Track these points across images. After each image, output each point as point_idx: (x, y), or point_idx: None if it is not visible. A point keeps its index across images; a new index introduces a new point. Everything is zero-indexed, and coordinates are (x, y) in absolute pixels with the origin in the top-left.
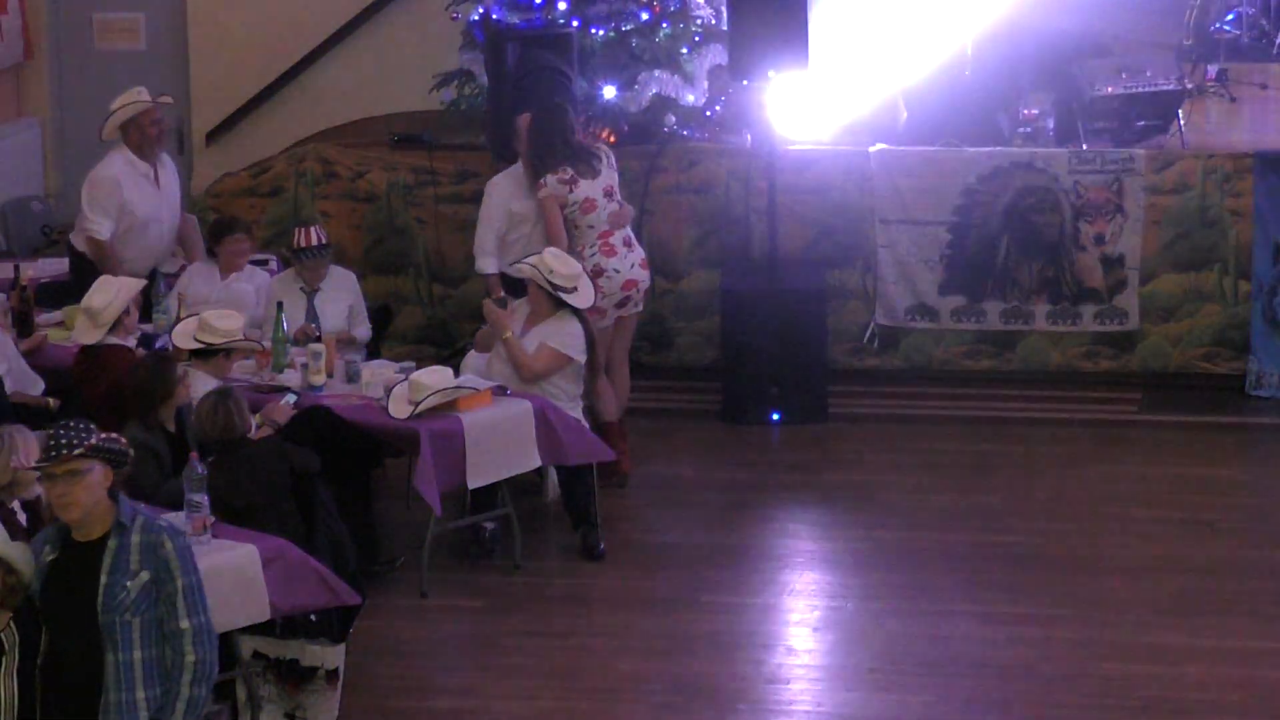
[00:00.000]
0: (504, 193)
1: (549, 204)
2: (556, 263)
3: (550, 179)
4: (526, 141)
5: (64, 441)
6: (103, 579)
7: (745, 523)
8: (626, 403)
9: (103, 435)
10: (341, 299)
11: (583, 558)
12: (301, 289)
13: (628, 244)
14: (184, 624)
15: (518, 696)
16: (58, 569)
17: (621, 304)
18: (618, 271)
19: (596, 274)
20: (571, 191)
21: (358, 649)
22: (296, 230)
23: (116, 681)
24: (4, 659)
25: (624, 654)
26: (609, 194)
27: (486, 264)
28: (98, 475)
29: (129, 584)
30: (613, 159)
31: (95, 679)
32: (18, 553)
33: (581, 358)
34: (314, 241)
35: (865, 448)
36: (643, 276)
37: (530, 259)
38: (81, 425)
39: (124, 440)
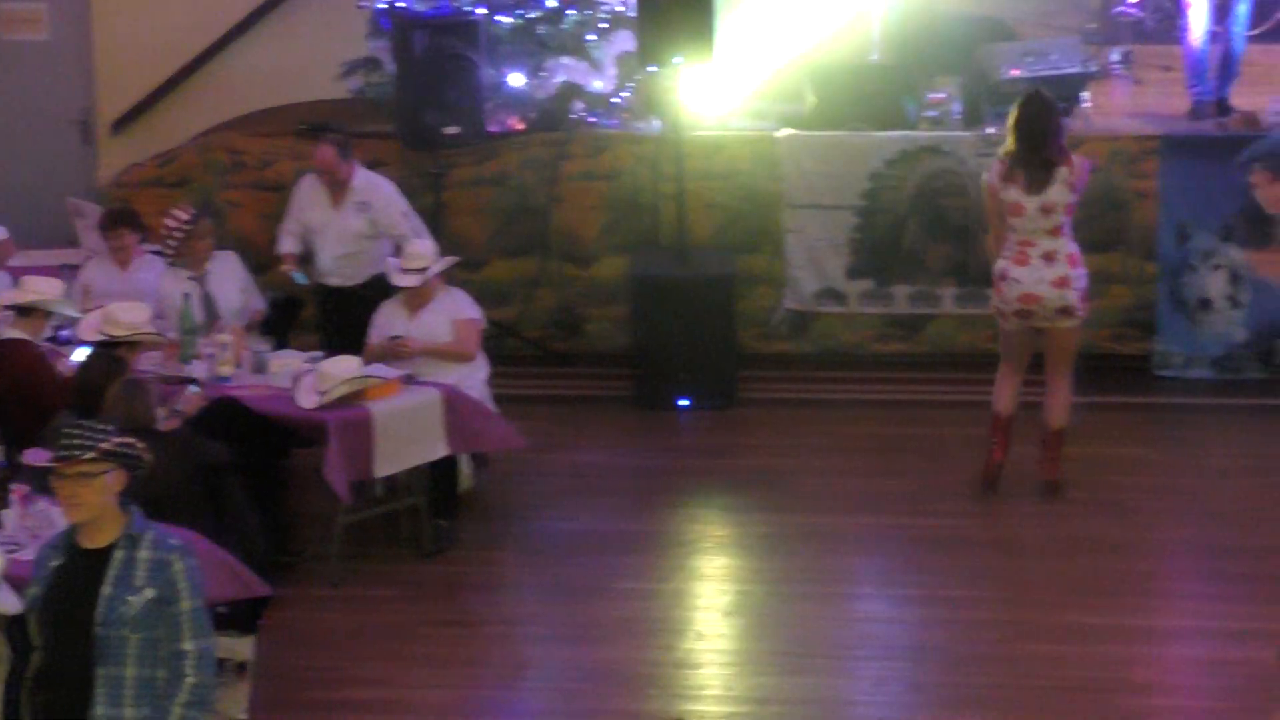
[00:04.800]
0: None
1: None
2: (413, 250)
3: (993, 165)
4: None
5: (76, 443)
6: (105, 590)
7: (655, 508)
8: (1065, 414)
9: (118, 439)
10: (230, 280)
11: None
12: (190, 278)
13: (1049, 259)
14: (187, 646)
15: (430, 685)
16: (61, 575)
17: (1023, 315)
18: (1019, 282)
19: (1000, 278)
20: (1004, 190)
21: (269, 640)
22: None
23: (106, 697)
24: None
25: (535, 641)
26: (1047, 211)
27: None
28: (110, 479)
29: (132, 599)
30: (1078, 180)
31: (85, 693)
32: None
33: (481, 313)
34: (177, 222)
35: (775, 432)
36: (1050, 294)
37: (398, 260)
38: (96, 426)
39: (140, 445)
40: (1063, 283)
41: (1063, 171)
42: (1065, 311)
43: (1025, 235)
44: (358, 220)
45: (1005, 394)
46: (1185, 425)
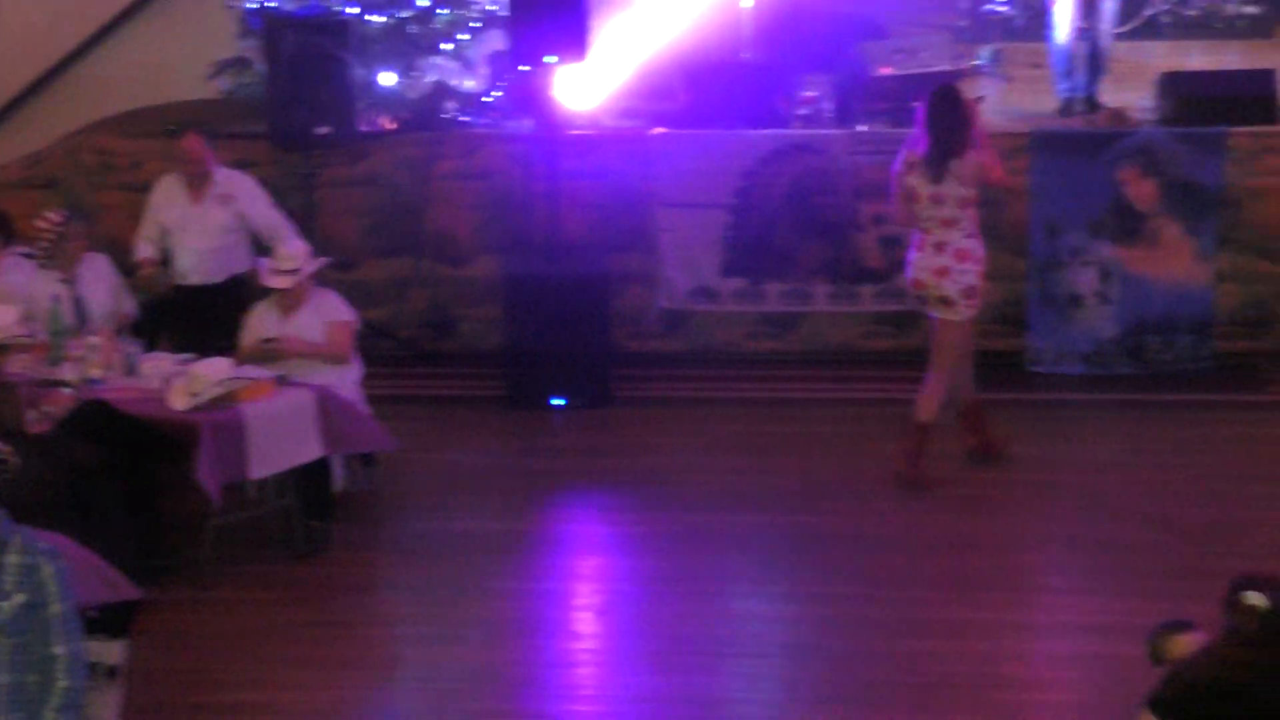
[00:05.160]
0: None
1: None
2: (285, 251)
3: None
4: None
5: None
6: None
7: (529, 508)
8: (928, 408)
9: None
10: (101, 283)
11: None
12: (61, 280)
13: (939, 249)
14: (58, 650)
15: (304, 687)
16: None
17: (918, 299)
18: (911, 266)
19: (906, 262)
20: (908, 174)
21: (142, 644)
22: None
23: None
24: None
25: (409, 642)
26: (938, 201)
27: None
28: None
29: (2, 604)
30: (970, 174)
31: None
32: None
33: (355, 314)
34: (48, 224)
35: (649, 431)
36: (931, 282)
37: (270, 261)
38: None
39: (7, 448)
40: (942, 273)
41: (955, 164)
42: (945, 303)
43: (923, 223)
44: (222, 213)
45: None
46: (1056, 420)
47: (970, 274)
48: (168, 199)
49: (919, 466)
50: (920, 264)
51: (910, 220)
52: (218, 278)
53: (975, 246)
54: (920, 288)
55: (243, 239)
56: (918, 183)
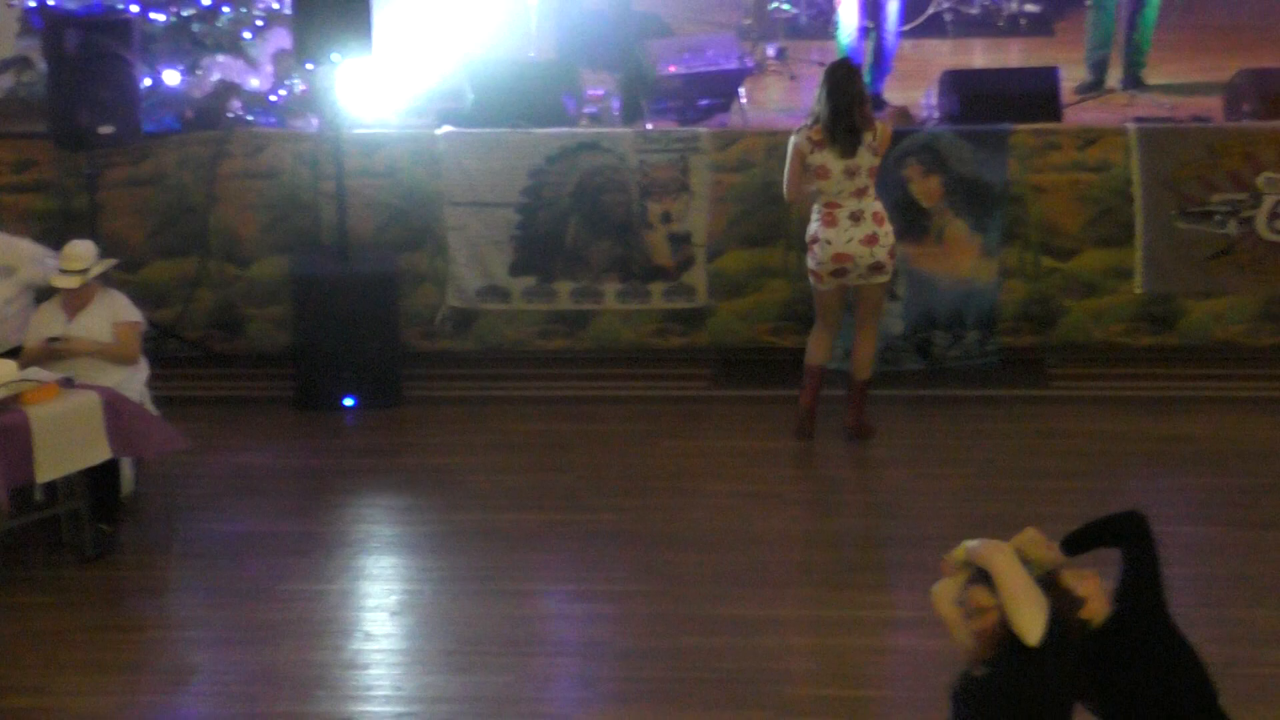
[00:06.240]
0: None
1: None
2: (72, 250)
3: (800, 130)
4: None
5: None
6: None
7: (320, 509)
8: (869, 366)
9: None
10: None
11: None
12: None
13: (855, 219)
14: None
15: (90, 692)
16: None
17: (838, 274)
18: (829, 243)
19: (812, 241)
20: (813, 152)
21: None
22: None
23: None
24: None
25: (199, 645)
26: (852, 173)
27: None
28: None
29: None
30: (881, 145)
31: None
32: None
33: (142, 315)
34: None
35: (441, 430)
36: (861, 253)
37: (56, 261)
38: None
39: None
40: (871, 240)
41: (867, 136)
42: (877, 268)
43: (832, 197)
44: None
45: (818, 350)
46: (844, 417)
47: (890, 233)
48: None
49: (865, 419)
50: (841, 238)
51: (802, 196)
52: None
53: (882, 208)
54: (848, 260)
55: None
56: (827, 158)
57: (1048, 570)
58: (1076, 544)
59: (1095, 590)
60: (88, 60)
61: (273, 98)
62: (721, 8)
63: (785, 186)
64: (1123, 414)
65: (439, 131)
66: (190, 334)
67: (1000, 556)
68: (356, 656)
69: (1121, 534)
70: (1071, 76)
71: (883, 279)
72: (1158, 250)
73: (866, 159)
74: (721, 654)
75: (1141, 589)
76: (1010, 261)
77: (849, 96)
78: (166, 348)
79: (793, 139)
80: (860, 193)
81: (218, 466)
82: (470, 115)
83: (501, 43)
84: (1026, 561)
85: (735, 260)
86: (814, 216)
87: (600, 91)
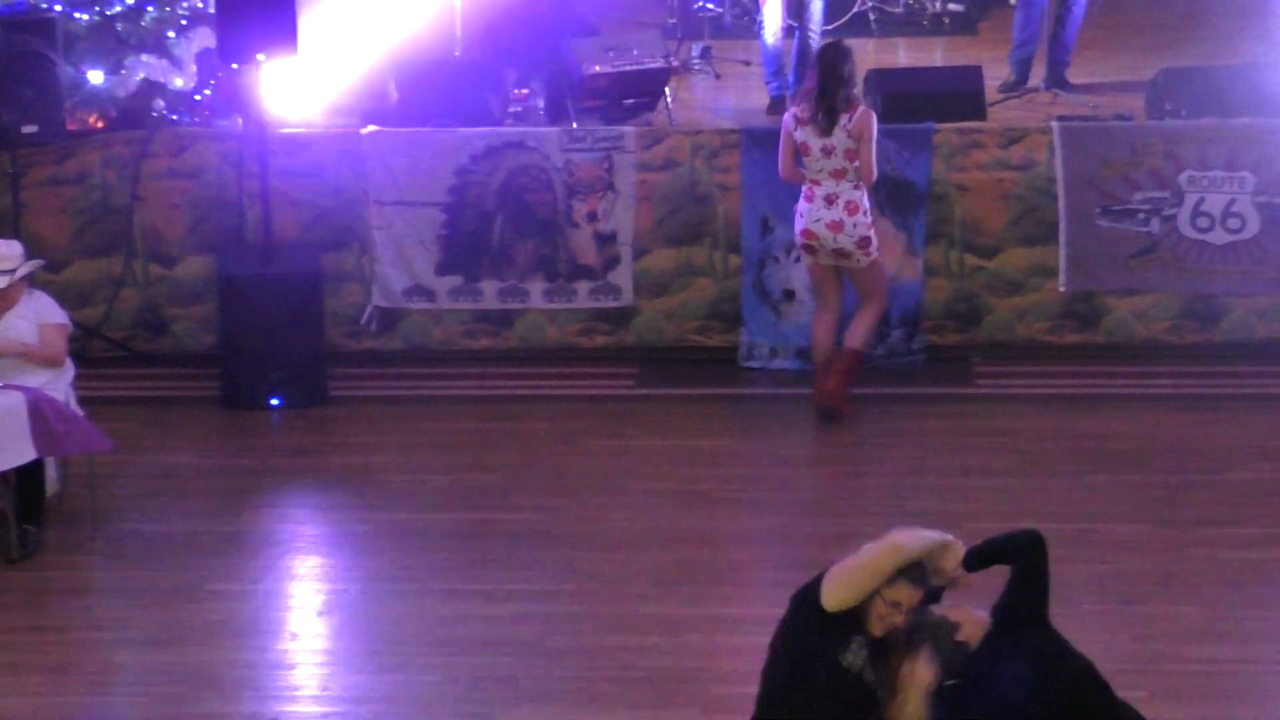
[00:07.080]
0: None
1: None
2: (6, 251)
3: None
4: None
5: None
6: None
7: (246, 509)
8: (863, 336)
9: None
10: None
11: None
12: None
13: (830, 201)
14: None
15: (15, 693)
16: None
17: (808, 249)
18: (801, 216)
19: (796, 214)
20: (797, 128)
21: None
22: None
23: None
24: None
25: (125, 646)
26: (828, 152)
27: None
28: None
29: None
30: (858, 129)
31: None
32: None
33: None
34: None
35: (366, 430)
36: (825, 235)
37: None
38: None
39: None
40: (836, 226)
41: (844, 118)
42: (842, 254)
43: (813, 175)
44: None
45: (819, 336)
46: (770, 416)
47: (862, 225)
48: None
49: (844, 390)
50: (812, 215)
51: (794, 175)
52: None
53: (862, 197)
54: (812, 238)
55: None
56: (808, 135)
57: (948, 582)
58: (978, 559)
59: (968, 615)
60: (11, 59)
61: (197, 97)
62: (646, 7)
63: (780, 165)
64: (1048, 412)
65: (364, 131)
66: (115, 334)
67: (895, 539)
68: (283, 656)
69: (1020, 552)
70: (995, 75)
71: (859, 264)
72: (1080, 248)
73: (842, 140)
74: (648, 652)
75: (1028, 605)
76: (935, 260)
77: (834, 78)
78: (91, 348)
79: (785, 116)
80: (838, 175)
81: (143, 466)
82: (395, 114)
83: (426, 42)
84: (936, 569)
85: (661, 259)
86: (803, 192)
87: (525, 90)
